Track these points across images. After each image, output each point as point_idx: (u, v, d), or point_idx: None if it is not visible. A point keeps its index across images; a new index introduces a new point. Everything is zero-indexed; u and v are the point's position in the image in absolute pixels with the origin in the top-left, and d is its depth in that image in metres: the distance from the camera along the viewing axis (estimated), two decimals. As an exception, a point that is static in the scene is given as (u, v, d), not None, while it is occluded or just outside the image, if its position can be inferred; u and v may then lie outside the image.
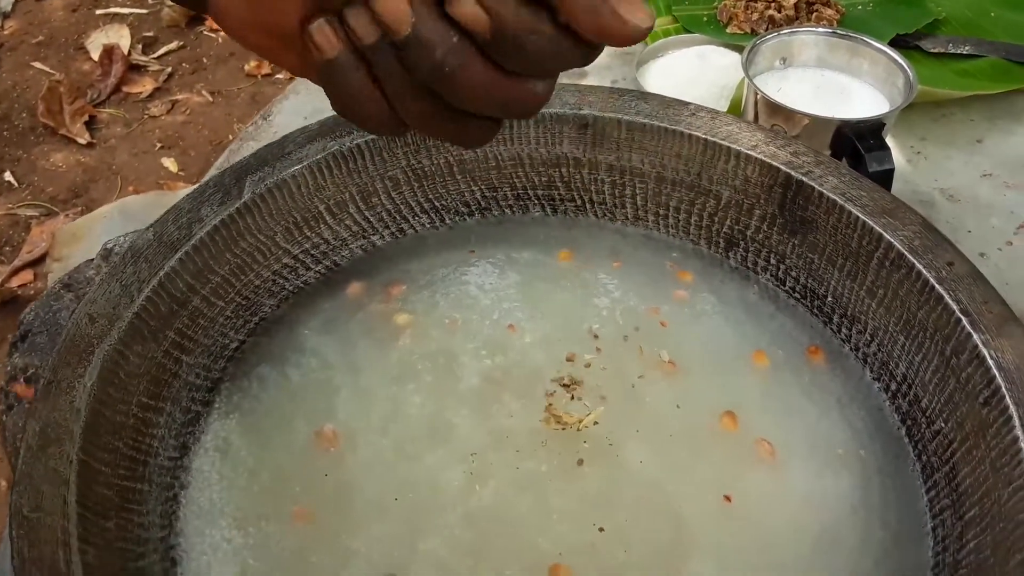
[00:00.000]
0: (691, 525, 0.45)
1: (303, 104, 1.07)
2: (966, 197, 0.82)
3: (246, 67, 2.06)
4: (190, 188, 0.59)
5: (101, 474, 0.45)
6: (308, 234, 0.59)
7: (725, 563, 0.44)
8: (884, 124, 0.75)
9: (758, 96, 0.76)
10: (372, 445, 0.50)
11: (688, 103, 0.60)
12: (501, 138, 0.61)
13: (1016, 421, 0.43)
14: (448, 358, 0.54)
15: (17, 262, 1.54)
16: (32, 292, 1.51)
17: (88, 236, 0.91)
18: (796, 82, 0.85)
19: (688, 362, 0.53)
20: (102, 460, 0.45)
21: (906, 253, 0.51)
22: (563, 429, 0.49)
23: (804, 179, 0.55)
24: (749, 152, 0.57)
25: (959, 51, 1.01)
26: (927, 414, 0.49)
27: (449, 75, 0.27)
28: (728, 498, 0.46)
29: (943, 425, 0.48)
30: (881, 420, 0.51)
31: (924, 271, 0.50)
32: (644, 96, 0.60)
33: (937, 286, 0.49)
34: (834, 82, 0.86)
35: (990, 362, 0.45)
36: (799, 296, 0.57)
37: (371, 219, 0.61)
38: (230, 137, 1.82)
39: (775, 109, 0.74)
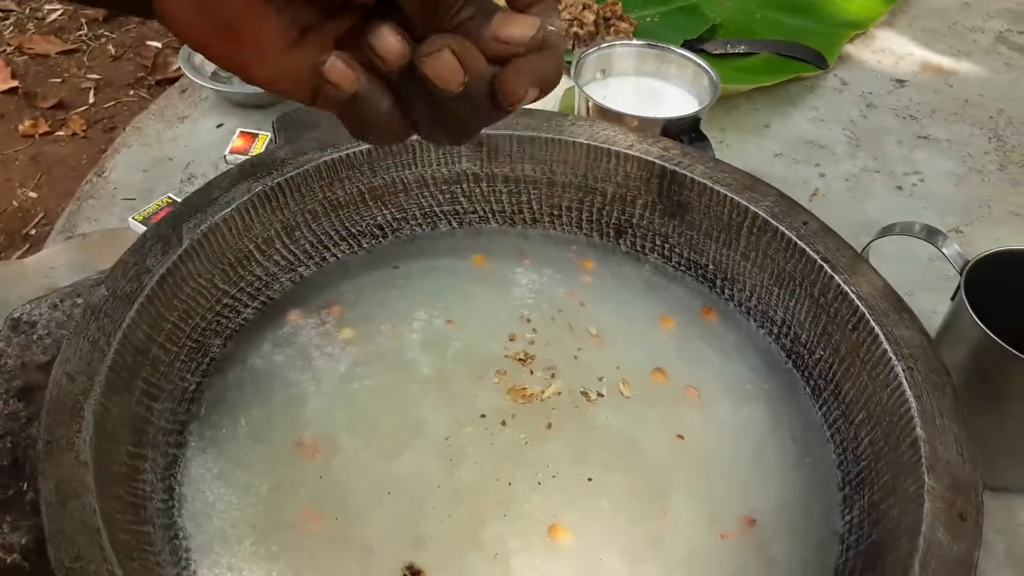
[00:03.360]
0: (660, 465, 0.53)
1: (138, 157, 1.07)
2: (766, 174, 0.97)
3: (21, 127, 1.94)
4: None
5: (117, 521, 0.47)
6: (242, 273, 0.62)
7: (695, 493, 0.52)
8: (700, 119, 0.88)
9: (590, 103, 0.87)
10: (352, 447, 0.54)
11: (567, 114, 0.68)
12: (405, 163, 0.67)
13: (882, 337, 0.55)
14: (397, 357, 0.59)
15: None
16: None
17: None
18: (617, 89, 0.97)
19: (612, 333, 0.61)
20: (114, 508, 0.47)
21: (769, 219, 0.62)
22: (527, 402, 0.56)
23: (676, 169, 0.65)
24: (627, 151, 0.66)
25: (736, 51, 1.18)
26: (807, 347, 0.61)
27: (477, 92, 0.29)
28: (681, 436, 0.55)
29: (823, 353, 0.60)
30: (771, 358, 0.62)
31: (786, 231, 0.61)
32: (529, 112, 0.68)
33: (799, 242, 0.60)
34: (649, 87, 1.00)
35: (852, 296, 0.57)
36: (685, 268, 0.67)
37: (296, 252, 0.65)
38: (14, 203, 1.69)
39: (606, 114, 0.85)
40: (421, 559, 0.49)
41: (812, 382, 0.60)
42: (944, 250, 0.65)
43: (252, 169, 0.63)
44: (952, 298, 0.65)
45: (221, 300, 0.61)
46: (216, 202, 0.60)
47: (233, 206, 0.60)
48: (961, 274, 0.64)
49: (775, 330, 0.63)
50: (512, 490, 0.52)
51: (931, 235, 0.67)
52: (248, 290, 0.62)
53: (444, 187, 0.69)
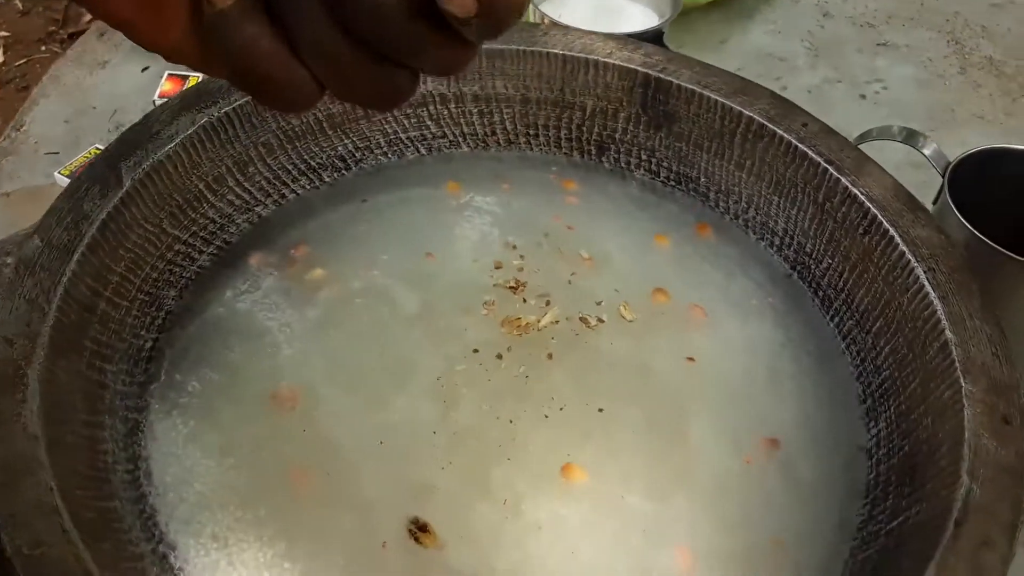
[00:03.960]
0: (673, 391, 0.49)
1: (59, 108, 0.99)
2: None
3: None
4: None
5: (78, 498, 0.41)
6: (193, 215, 0.56)
7: (713, 418, 0.49)
8: (663, 32, 0.83)
9: (546, 21, 0.81)
10: (335, 396, 0.49)
11: (538, 24, 0.63)
12: (365, 86, 0.61)
13: (898, 239, 0.51)
14: (377, 295, 0.54)
15: None
16: None
17: None
18: (574, 6, 0.92)
19: (604, 255, 0.57)
20: (73, 484, 0.41)
21: (765, 123, 0.57)
22: (523, 333, 0.51)
23: (661, 75, 0.60)
24: (606, 60, 0.61)
25: (692, -36, 1.12)
26: (813, 256, 0.57)
27: (387, 9, 0.23)
28: (691, 359, 0.51)
29: (831, 261, 0.56)
30: (775, 271, 0.58)
31: (785, 135, 0.57)
32: (496, 23, 0.62)
33: (799, 145, 0.56)
34: (607, 2, 0.94)
35: (861, 197, 0.53)
36: (675, 183, 0.63)
37: (252, 190, 0.59)
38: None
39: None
40: (425, 512, 0.44)
41: (821, 293, 0.56)
42: (925, 151, 0.63)
43: (195, 99, 0.56)
44: (935, 202, 0.63)
45: (172, 247, 0.54)
46: (157, 137, 0.54)
47: (177, 141, 0.54)
48: (944, 175, 0.62)
49: (777, 241, 0.59)
50: (516, 429, 0.47)
51: (910, 137, 0.64)
52: (202, 234, 0.56)
53: (409, 111, 0.63)
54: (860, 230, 0.53)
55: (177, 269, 0.55)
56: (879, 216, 0.52)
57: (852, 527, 0.46)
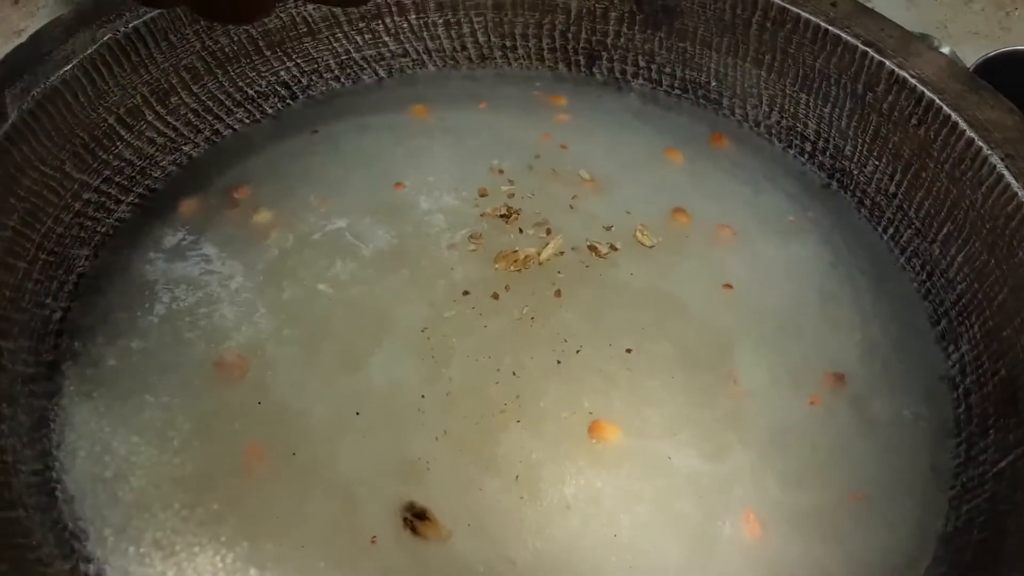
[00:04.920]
0: (712, 324, 0.40)
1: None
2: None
3: None
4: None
5: (-41, 510, 0.31)
6: (104, 156, 0.45)
7: (764, 353, 0.40)
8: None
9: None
10: (294, 359, 0.39)
11: (508, -88, 0.53)
12: (306, -5, 0.51)
13: (963, 124, 0.43)
14: (338, 236, 0.44)
15: None
16: None
17: None
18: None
19: (608, 175, 0.47)
20: (-48, 492, 0.31)
21: (787, 6, 0.48)
22: (521, 268, 0.42)
23: (658, -38, 0.51)
24: (592, -52, 0.51)
25: None
26: (856, 160, 0.48)
27: None
28: (728, 285, 0.42)
29: (877, 163, 0.47)
30: (809, 182, 0.49)
31: (811, 17, 0.48)
32: (459, -87, 0.52)
33: (830, 28, 0.47)
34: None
35: (912, 81, 0.45)
36: (680, 91, 0.53)
37: (177, 125, 0.48)
38: None
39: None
40: (422, 495, 0.35)
41: (868, 202, 0.47)
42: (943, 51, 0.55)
43: (95, 12, 0.45)
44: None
45: (80, 195, 0.44)
46: (49, 59, 0.43)
47: (75, 63, 0.43)
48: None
49: (808, 148, 0.50)
50: (522, 382, 0.38)
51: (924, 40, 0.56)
52: (117, 180, 0.46)
53: (362, 25, 0.52)
54: (913, 121, 0.45)
55: (89, 223, 0.44)
56: (936, 100, 0.43)
57: (947, 473, 0.38)
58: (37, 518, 0.34)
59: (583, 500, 0.35)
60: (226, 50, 0.49)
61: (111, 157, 0.46)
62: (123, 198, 0.46)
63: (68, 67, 0.43)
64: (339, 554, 0.33)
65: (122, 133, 0.46)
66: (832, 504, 0.36)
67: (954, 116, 0.43)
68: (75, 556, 0.34)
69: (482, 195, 0.45)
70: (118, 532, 0.35)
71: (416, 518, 0.34)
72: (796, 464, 0.37)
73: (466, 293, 0.41)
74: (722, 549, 0.34)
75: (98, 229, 0.45)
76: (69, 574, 0.33)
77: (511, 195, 0.45)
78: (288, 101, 0.52)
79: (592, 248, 0.43)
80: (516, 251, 0.42)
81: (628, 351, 0.39)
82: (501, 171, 0.47)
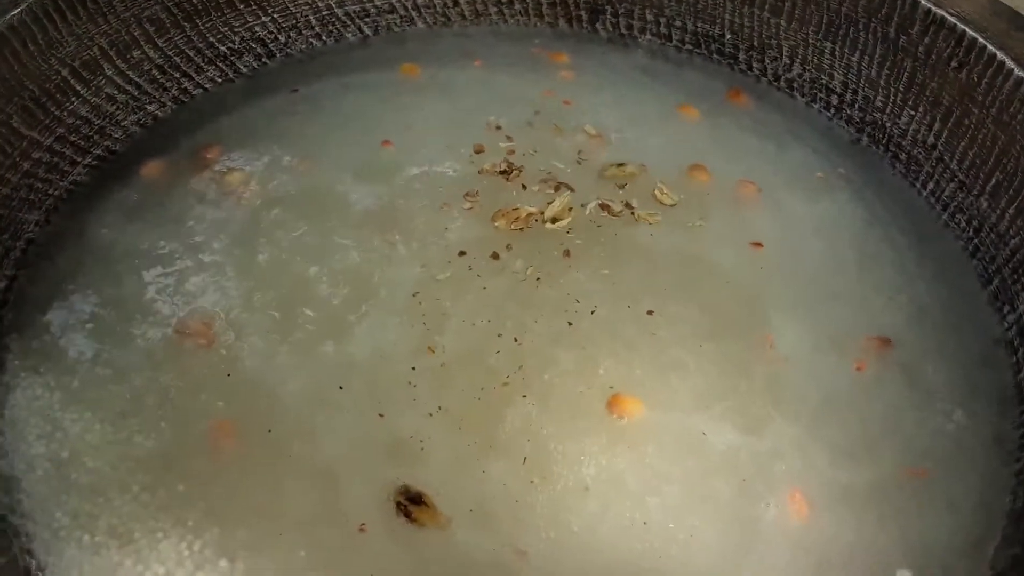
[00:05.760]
0: (742, 285, 0.36)
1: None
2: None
3: None
4: None
5: None
6: (57, 112, 0.40)
7: (802, 314, 0.35)
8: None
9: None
10: (267, 327, 0.34)
11: None
12: (283, -57, 0.46)
13: (1010, 63, 0.38)
14: (318, 195, 0.39)
15: None
16: None
17: None
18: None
19: (615, 131, 0.43)
20: None
21: (809, -53, 0.44)
22: (524, 227, 0.37)
23: (666, -96, 0.47)
24: None
25: None
26: (887, 110, 0.44)
27: None
28: (758, 244, 0.37)
29: (913, 112, 0.43)
30: (838, 137, 0.45)
31: (837, -41, 0.44)
32: None
33: (858, -32, 0.43)
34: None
35: (952, 20, 0.40)
36: (692, 46, 0.49)
37: (139, 81, 0.44)
38: None
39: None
40: (415, 478, 0.30)
41: (904, 155, 0.43)
42: None
43: (47, -48, 0.40)
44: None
45: (29, 154, 0.39)
46: (-7, 0, 0.38)
47: (23, 7, 0.38)
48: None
49: (835, 101, 0.46)
50: (526, 350, 0.33)
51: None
52: (73, 139, 0.41)
53: (343, -23, 0.48)
54: (953, 64, 0.40)
55: (40, 185, 0.40)
56: (979, 39, 0.39)
57: (1012, 444, 0.33)
58: (-32, 508, 0.29)
59: (604, 482, 0.30)
60: (195, 1, 0.45)
61: (65, 114, 0.41)
62: (79, 159, 0.41)
63: (16, 11, 0.38)
64: (323, 543, 0.28)
65: (77, 88, 0.41)
66: (887, 480, 0.31)
67: (1000, 55, 0.39)
68: (12, 549, 0.29)
69: (478, 152, 0.41)
70: (71, 519, 0.30)
71: (410, 502, 0.29)
72: (845, 437, 0.32)
73: (462, 253, 0.36)
74: (765, 533, 0.30)
75: (50, 192, 0.40)
76: (6, 568, 0.28)
77: (511, 152, 0.41)
78: (264, 60, 0.48)
79: (604, 206, 0.39)
80: (517, 208, 0.38)
81: (649, 313, 0.34)
82: (499, 127, 0.43)
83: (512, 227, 0.37)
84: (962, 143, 0.41)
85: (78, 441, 0.31)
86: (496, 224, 0.37)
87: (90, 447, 0.31)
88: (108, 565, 0.28)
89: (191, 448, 0.30)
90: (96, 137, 0.42)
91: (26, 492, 0.30)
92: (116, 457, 0.30)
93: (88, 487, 0.30)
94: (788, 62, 0.47)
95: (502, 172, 0.39)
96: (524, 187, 0.39)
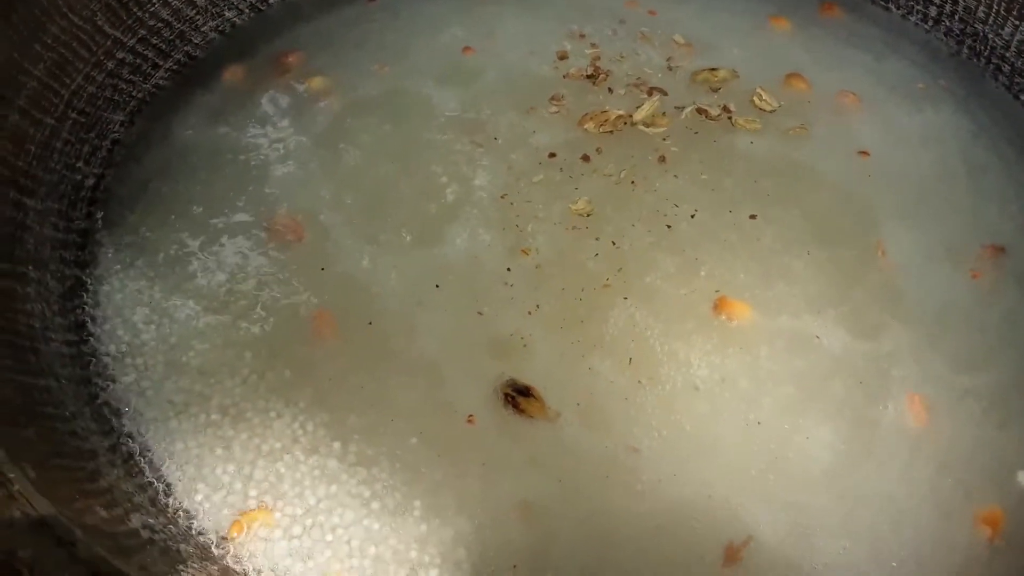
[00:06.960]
0: (850, 191, 0.35)
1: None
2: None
3: None
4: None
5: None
6: (139, 14, 0.40)
7: (913, 222, 0.34)
8: None
9: None
10: (357, 226, 0.34)
11: None
12: None
13: None
14: (400, 99, 0.38)
15: None
16: None
17: None
18: None
19: (707, 40, 0.41)
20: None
21: None
22: (613, 130, 0.36)
23: None
24: None
25: None
26: (990, 22, 0.42)
27: None
28: (865, 152, 0.36)
29: (1018, 23, 0.41)
30: (936, 50, 0.43)
31: None
32: None
33: None
34: None
35: (1068, -78, 0.38)
36: (781, -42, 0.47)
37: (219, -15, 0.43)
38: None
39: None
40: (521, 372, 0.29)
41: (1007, 67, 0.41)
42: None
43: None
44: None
45: (113, 53, 0.38)
46: None
47: (108, -101, 0.37)
48: None
49: (933, 12, 0.44)
50: (625, 253, 0.32)
51: None
52: (155, 42, 0.40)
53: None
54: (1068, -31, 0.38)
55: (125, 86, 0.39)
56: (1100, -57, 0.37)
57: None
58: (71, 390, 0.29)
59: (715, 383, 0.30)
60: (274, -96, 0.43)
61: (147, 15, 0.40)
62: (161, 63, 0.41)
63: (99, -96, 0.37)
64: (433, 432, 0.28)
65: (159, -11, 0.40)
66: (1007, 386, 0.30)
67: (1122, -43, 0.37)
68: (116, 432, 0.29)
69: (562, 58, 0.40)
70: (184, 397, 0.29)
71: (519, 394, 0.29)
72: (964, 344, 0.31)
73: (552, 155, 0.35)
74: (883, 436, 0.29)
75: (134, 94, 0.39)
76: (108, 451, 0.28)
77: (596, 58, 0.40)
78: (341, -32, 0.46)
79: (702, 111, 0.37)
80: (606, 111, 0.36)
81: (752, 217, 0.33)
82: (583, 35, 0.41)
83: (601, 130, 0.36)
84: (1076, 52, 0.39)
85: (184, 327, 0.31)
86: (585, 127, 0.36)
87: (197, 332, 0.31)
88: (223, 439, 0.28)
89: (294, 336, 0.30)
90: (177, 41, 0.41)
91: (138, 371, 0.30)
92: (223, 342, 0.30)
93: (198, 369, 0.30)
94: (884, -26, 0.45)
95: (589, 76, 0.38)
96: (611, 91, 0.38)
